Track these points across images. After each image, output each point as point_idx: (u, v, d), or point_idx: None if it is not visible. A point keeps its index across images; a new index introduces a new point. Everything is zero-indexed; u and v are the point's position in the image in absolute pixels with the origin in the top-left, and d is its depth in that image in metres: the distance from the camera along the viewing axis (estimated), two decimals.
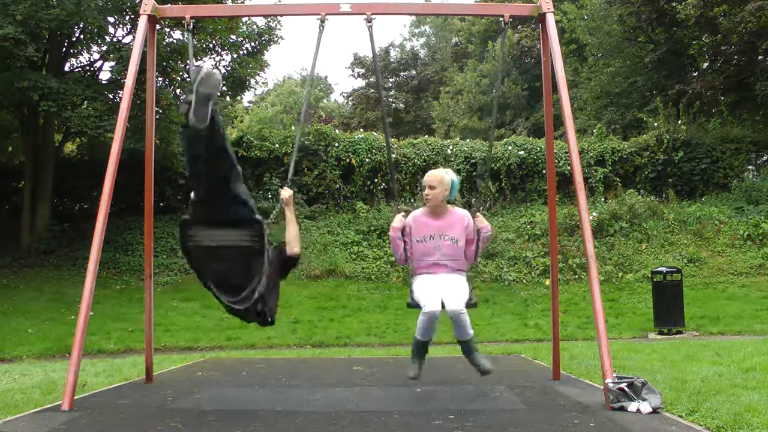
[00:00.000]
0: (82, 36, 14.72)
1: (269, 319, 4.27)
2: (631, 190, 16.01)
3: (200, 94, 3.74)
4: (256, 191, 15.54)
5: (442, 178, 4.61)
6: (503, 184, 16.53)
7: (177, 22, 12.55)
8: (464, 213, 4.72)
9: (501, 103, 26.97)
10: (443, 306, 4.33)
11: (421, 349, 4.58)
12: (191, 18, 5.18)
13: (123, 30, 14.87)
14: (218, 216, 4.06)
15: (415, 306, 4.53)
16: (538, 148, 16.39)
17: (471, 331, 4.47)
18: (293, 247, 4.44)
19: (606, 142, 17.00)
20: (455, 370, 6.22)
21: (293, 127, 19.10)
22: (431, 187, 4.59)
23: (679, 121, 17.31)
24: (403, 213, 4.75)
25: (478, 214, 4.70)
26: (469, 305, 4.47)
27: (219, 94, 3.90)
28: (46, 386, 5.36)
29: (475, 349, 4.62)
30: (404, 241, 4.66)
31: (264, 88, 37.81)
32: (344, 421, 3.77)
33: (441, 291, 4.41)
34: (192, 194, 4.17)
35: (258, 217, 4.13)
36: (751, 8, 15.33)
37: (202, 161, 3.90)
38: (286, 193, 4.54)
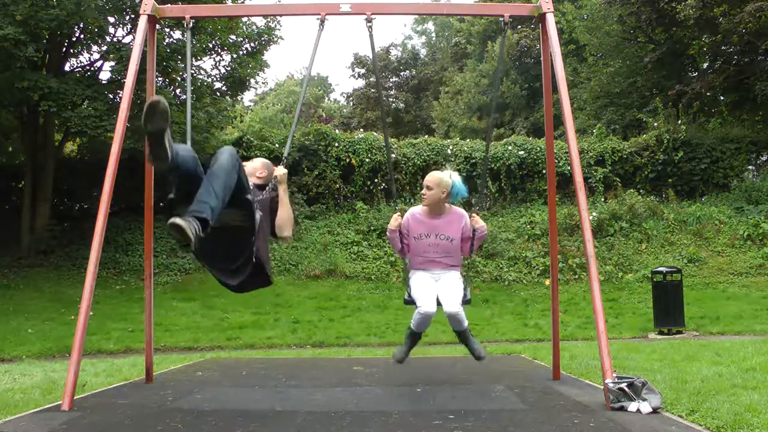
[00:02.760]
0: (82, 36, 14.71)
1: (269, 279, 4.19)
2: (631, 190, 16.01)
3: (149, 131, 3.39)
4: None
5: (440, 180, 4.70)
6: (503, 184, 16.54)
7: (177, 22, 12.56)
8: (461, 213, 4.83)
9: (500, 102, 26.96)
10: (439, 303, 4.48)
11: (414, 338, 4.81)
12: (191, 18, 5.19)
13: (123, 30, 14.88)
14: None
15: (411, 303, 4.69)
16: (538, 148, 16.39)
17: (466, 323, 4.57)
18: (284, 231, 4.31)
19: (606, 142, 17.01)
20: (455, 370, 6.22)
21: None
22: (428, 188, 4.71)
23: (679, 121, 17.32)
24: (399, 213, 4.85)
25: (473, 214, 4.81)
26: (464, 302, 4.59)
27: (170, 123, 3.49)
28: (46, 386, 5.36)
29: (469, 336, 4.72)
30: (402, 238, 4.83)
31: (264, 87, 37.83)
32: (344, 421, 3.77)
33: (437, 290, 4.57)
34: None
35: (248, 197, 3.84)
36: (751, 9, 15.33)
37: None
38: (280, 170, 4.38)
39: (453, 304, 4.42)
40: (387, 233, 4.90)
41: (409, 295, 4.72)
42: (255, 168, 4.62)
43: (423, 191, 4.74)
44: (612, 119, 20.90)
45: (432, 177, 4.75)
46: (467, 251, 4.83)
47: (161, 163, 3.42)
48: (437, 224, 4.74)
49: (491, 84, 26.42)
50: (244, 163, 4.26)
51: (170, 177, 3.58)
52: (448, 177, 4.74)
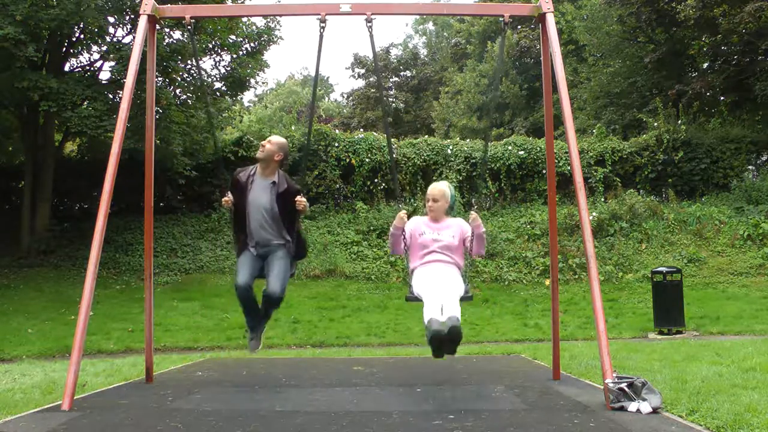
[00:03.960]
0: (82, 36, 14.71)
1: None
2: (631, 190, 16.01)
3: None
4: None
5: (444, 192, 4.94)
6: (503, 184, 16.54)
7: (177, 22, 12.56)
8: (460, 220, 5.05)
9: (500, 102, 26.96)
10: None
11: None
12: (191, 18, 5.19)
13: (123, 30, 14.88)
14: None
15: (413, 299, 4.73)
16: (538, 148, 16.39)
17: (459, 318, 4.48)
18: None
19: (606, 142, 17.01)
20: (455, 370, 6.22)
21: (293, 127, 19.09)
22: (435, 200, 4.93)
23: (679, 121, 17.31)
24: (405, 212, 4.93)
25: (472, 212, 4.90)
26: (465, 299, 4.66)
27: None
28: (46, 386, 5.36)
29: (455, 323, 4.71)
30: (404, 237, 4.90)
31: (264, 87, 37.82)
32: (344, 421, 3.77)
33: (439, 293, 4.50)
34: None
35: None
36: (751, 9, 15.33)
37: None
38: (302, 201, 5.06)
39: (453, 311, 4.35)
40: (391, 230, 4.93)
41: (412, 293, 4.77)
42: (272, 152, 5.09)
43: (429, 203, 4.94)
44: (612, 119, 20.90)
45: (437, 190, 4.95)
46: (476, 251, 4.89)
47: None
48: (439, 227, 4.92)
49: (491, 84, 26.44)
50: (262, 142, 5.17)
51: None
52: (448, 189, 5.00)
